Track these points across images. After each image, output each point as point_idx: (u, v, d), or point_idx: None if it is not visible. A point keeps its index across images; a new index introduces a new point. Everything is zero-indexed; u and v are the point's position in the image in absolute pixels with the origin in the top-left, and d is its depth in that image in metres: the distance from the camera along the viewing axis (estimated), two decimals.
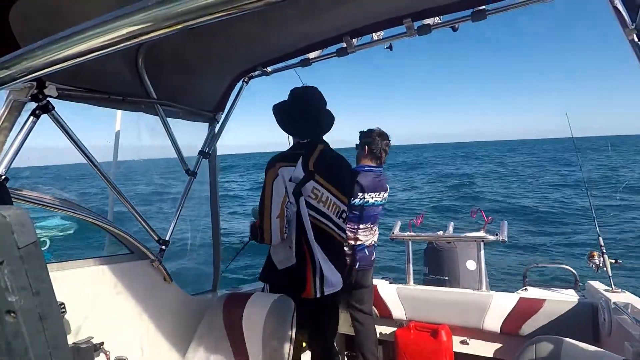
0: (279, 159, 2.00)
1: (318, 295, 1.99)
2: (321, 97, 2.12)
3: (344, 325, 3.15)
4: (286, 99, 2.13)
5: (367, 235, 2.90)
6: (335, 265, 2.07)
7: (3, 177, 1.36)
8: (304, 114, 2.09)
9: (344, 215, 2.15)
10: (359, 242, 2.86)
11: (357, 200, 2.80)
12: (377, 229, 2.98)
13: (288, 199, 1.93)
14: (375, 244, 2.99)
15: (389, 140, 2.89)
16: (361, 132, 2.95)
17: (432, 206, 17.17)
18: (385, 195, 2.93)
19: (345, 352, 3.47)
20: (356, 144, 2.97)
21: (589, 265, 2.73)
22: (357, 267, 2.85)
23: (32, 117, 1.44)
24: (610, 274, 2.56)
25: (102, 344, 1.71)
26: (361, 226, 2.87)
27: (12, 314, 0.36)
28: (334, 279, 2.06)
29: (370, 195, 2.84)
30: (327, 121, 2.16)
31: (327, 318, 2.20)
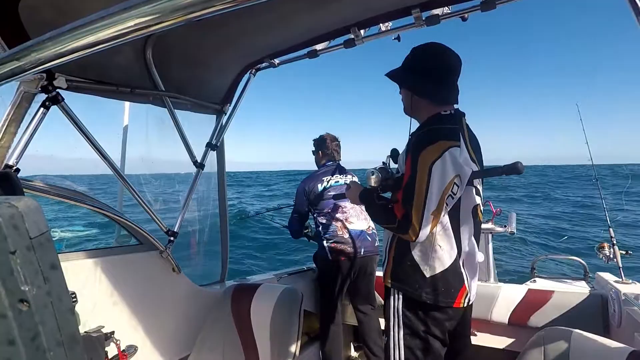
0: (438, 135, 1.48)
1: (466, 305, 1.58)
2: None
3: (351, 317, 3.18)
4: (413, 55, 1.65)
5: (359, 216, 3.00)
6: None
7: (15, 167, 1.38)
8: (448, 73, 1.62)
9: None
10: (353, 227, 2.95)
11: (325, 184, 3.03)
12: (367, 214, 3.04)
13: (451, 190, 1.45)
14: (375, 231, 3.05)
15: (339, 141, 3.26)
16: (314, 140, 3.29)
17: None
18: (355, 178, 3.07)
19: (352, 343, 3.50)
20: (312, 151, 3.28)
21: (598, 257, 2.71)
22: (361, 253, 2.91)
23: (42, 109, 1.46)
24: (621, 265, 2.54)
25: (112, 333, 1.74)
26: (346, 204, 2.99)
27: (25, 303, 0.36)
28: (475, 282, 1.66)
29: (336, 177, 3.08)
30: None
31: (468, 329, 1.75)
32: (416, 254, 1.55)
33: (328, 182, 3.05)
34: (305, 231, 3.25)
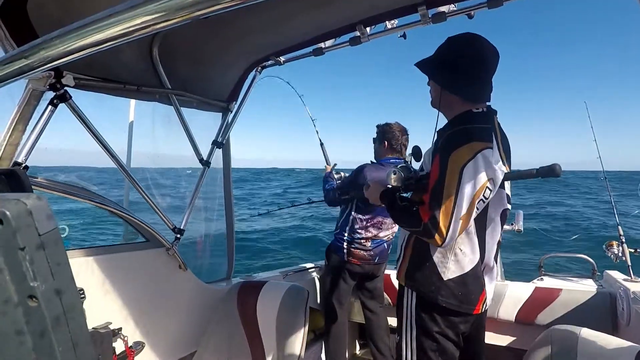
0: (471, 135, 1.39)
1: (483, 310, 1.55)
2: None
3: (357, 315, 3.18)
4: (447, 46, 1.55)
5: (388, 229, 2.92)
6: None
7: (23, 165, 1.40)
8: (482, 68, 1.52)
9: None
10: (377, 238, 2.89)
11: None
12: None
13: (483, 194, 1.37)
14: (392, 239, 3.01)
15: (408, 135, 2.91)
16: (379, 126, 2.94)
17: None
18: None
19: (358, 341, 3.51)
20: (373, 138, 2.98)
21: (607, 255, 2.68)
22: (375, 261, 2.90)
23: (50, 106, 1.47)
24: (630, 264, 2.52)
25: (120, 329, 1.75)
26: (387, 220, 2.87)
27: (34, 299, 0.37)
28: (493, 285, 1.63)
29: None
30: None
31: (483, 334, 1.70)
32: (435, 255, 1.50)
33: None
34: (345, 197, 2.94)
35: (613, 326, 2.32)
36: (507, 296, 2.60)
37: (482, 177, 1.35)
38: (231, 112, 2.45)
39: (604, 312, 2.37)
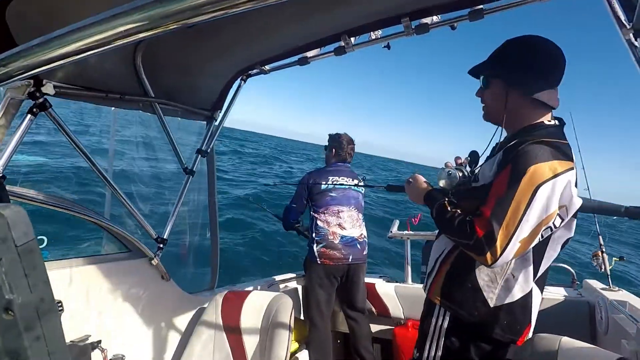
0: (554, 153, 1.20)
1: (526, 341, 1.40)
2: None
3: (342, 324, 3.17)
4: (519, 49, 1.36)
5: (354, 223, 3.01)
6: None
7: (0, 175, 1.36)
8: (557, 70, 1.34)
9: None
10: (345, 233, 2.95)
11: (330, 183, 3.04)
12: (362, 222, 3.12)
13: (552, 222, 1.21)
14: (366, 239, 3.09)
15: (354, 145, 3.25)
16: (330, 136, 3.25)
17: None
18: (360, 183, 3.15)
19: (343, 350, 3.49)
20: (325, 146, 3.26)
21: (594, 265, 2.73)
22: (349, 260, 2.93)
23: (29, 115, 1.44)
24: (609, 273, 2.57)
25: (99, 342, 1.71)
26: (344, 208, 2.99)
27: (10, 312, 0.36)
28: None
29: (343, 178, 3.07)
30: None
31: None
32: (481, 277, 1.33)
33: (333, 182, 3.07)
34: (297, 225, 3.27)
35: (592, 335, 2.35)
36: None
37: (555, 203, 1.19)
38: (216, 120, 2.44)
39: (582, 320, 2.41)
